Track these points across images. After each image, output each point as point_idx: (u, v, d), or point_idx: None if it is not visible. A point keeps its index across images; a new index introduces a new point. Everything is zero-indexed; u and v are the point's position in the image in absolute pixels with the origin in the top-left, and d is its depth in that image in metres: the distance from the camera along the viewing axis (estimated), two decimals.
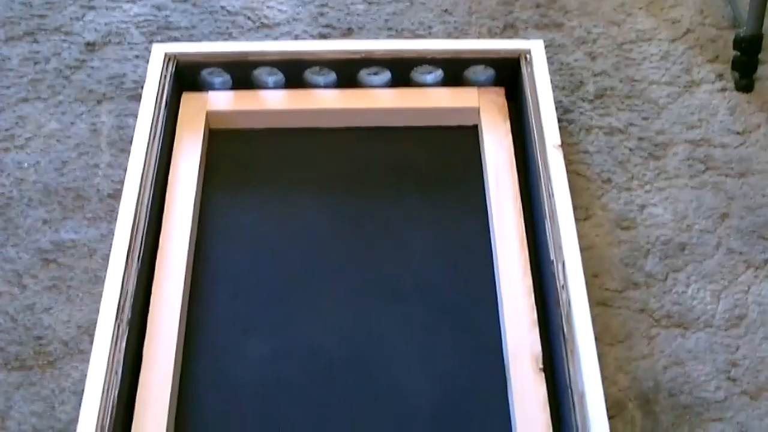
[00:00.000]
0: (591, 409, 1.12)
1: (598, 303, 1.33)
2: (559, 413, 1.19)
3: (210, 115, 1.46)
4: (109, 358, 1.14)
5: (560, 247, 1.26)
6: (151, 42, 1.65)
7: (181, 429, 1.17)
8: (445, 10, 1.72)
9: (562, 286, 1.23)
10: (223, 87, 1.50)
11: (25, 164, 1.46)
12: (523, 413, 1.17)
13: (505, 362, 1.22)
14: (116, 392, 1.13)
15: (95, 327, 1.14)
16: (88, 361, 1.13)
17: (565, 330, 1.20)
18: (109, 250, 1.22)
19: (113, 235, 1.22)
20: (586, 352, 1.17)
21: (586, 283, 1.21)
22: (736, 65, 1.61)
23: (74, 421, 1.12)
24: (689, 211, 1.44)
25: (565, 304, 1.21)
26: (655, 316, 1.33)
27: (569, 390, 1.16)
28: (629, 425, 1.22)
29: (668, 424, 1.22)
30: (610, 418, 1.11)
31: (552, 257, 1.26)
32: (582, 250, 1.25)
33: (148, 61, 1.46)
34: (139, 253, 1.25)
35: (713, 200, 1.45)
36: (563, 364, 1.18)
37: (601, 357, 1.17)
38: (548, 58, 1.54)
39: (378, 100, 1.48)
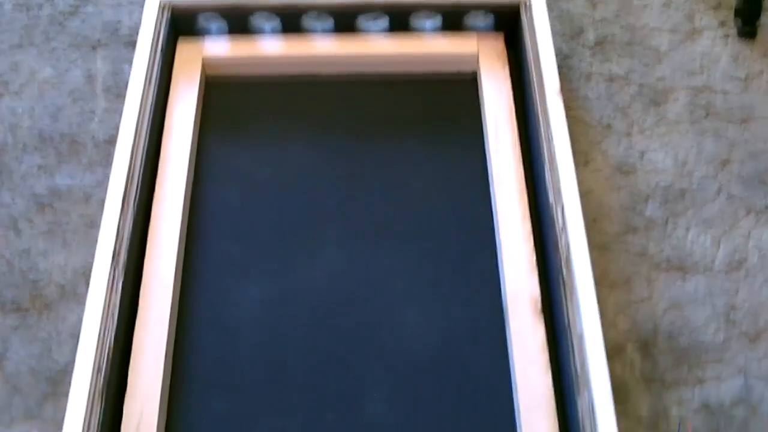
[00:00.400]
0: (590, 351, 1.12)
1: (597, 247, 1.32)
2: (557, 355, 1.18)
3: (206, 62, 1.44)
4: (105, 301, 1.13)
5: (559, 191, 1.25)
6: None
7: (177, 371, 1.17)
8: None
9: (562, 230, 1.22)
10: (219, 33, 1.48)
11: (20, 110, 1.45)
12: (522, 355, 1.16)
13: (504, 305, 1.22)
14: (113, 335, 1.12)
15: (91, 271, 1.13)
16: (84, 304, 1.13)
17: (564, 273, 1.19)
18: (105, 196, 1.20)
19: (109, 180, 1.21)
20: (585, 294, 1.16)
21: (586, 227, 1.20)
22: (738, 12, 1.59)
23: (71, 363, 1.12)
24: (690, 158, 1.43)
25: (565, 247, 1.20)
26: (654, 260, 1.32)
27: (568, 332, 1.15)
28: (628, 367, 1.22)
29: (667, 367, 1.22)
30: (609, 360, 1.10)
31: (551, 200, 1.25)
32: (581, 195, 1.25)
33: (143, 7, 1.44)
34: (135, 198, 1.24)
35: (714, 146, 1.44)
36: (562, 306, 1.18)
37: (600, 300, 1.17)
38: (548, 5, 1.52)
39: (376, 47, 1.47)
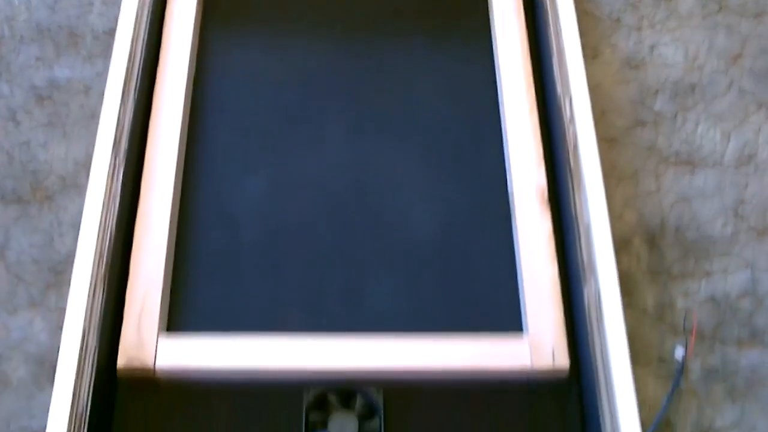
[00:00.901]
0: (597, 241, 1.11)
1: (605, 140, 1.30)
2: (564, 247, 1.17)
3: None
4: (106, 189, 1.12)
5: (567, 83, 1.22)
6: None
7: (179, 259, 1.16)
8: None
9: (569, 120, 1.20)
10: None
11: (16, 2, 1.42)
12: (528, 246, 1.15)
13: (510, 196, 1.20)
14: (114, 222, 1.11)
15: (92, 162, 1.12)
16: (85, 195, 1.11)
17: (571, 163, 1.17)
18: (105, 88, 1.18)
19: (109, 71, 1.19)
20: (592, 184, 1.15)
21: (594, 120, 1.18)
22: None
23: (73, 253, 1.10)
24: (701, 52, 1.40)
25: (572, 138, 1.18)
26: (663, 154, 1.30)
27: (575, 222, 1.14)
28: (635, 260, 1.21)
29: (674, 260, 1.21)
30: (615, 253, 1.09)
31: (559, 92, 1.23)
32: (589, 88, 1.22)
33: None
34: (135, 89, 1.21)
35: (726, 41, 1.41)
36: (569, 197, 1.16)
37: (607, 194, 1.15)
38: None
39: None
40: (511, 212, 1.19)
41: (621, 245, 1.21)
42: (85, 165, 1.26)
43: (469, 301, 1.14)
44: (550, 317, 1.10)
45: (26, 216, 1.22)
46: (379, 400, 1.06)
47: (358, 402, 1.07)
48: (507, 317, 1.13)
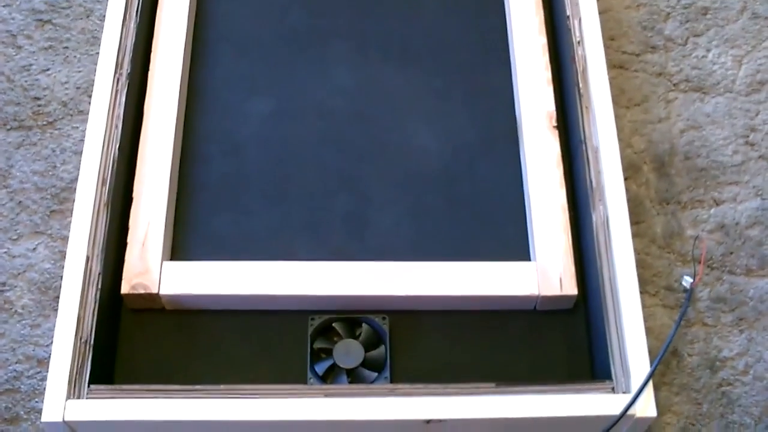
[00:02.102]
0: (606, 166, 1.09)
1: (614, 66, 1.28)
2: (572, 171, 1.16)
3: None
4: (108, 112, 1.10)
5: (577, 4, 1.20)
6: None
7: (184, 186, 1.15)
8: None
9: (578, 42, 1.17)
10: None
11: None
12: (536, 170, 1.14)
13: (518, 120, 1.18)
14: (117, 147, 1.10)
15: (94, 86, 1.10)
16: (88, 121, 1.10)
17: (580, 86, 1.15)
18: (106, 12, 1.16)
19: None
20: (601, 108, 1.13)
21: (603, 45, 1.15)
22: None
23: (76, 180, 1.09)
24: None
25: (581, 60, 1.16)
26: (673, 79, 1.28)
27: (583, 146, 1.12)
28: (644, 187, 1.20)
29: (683, 187, 1.20)
30: (624, 179, 1.08)
31: (568, 13, 1.20)
32: (599, 13, 1.19)
33: None
34: (137, 10, 1.19)
35: None
36: (578, 120, 1.15)
37: (616, 120, 1.13)
38: None
39: None
40: (519, 137, 1.18)
41: (629, 172, 1.19)
42: (87, 90, 1.24)
43: (476, 228, 1.13)
44: (558, 244, 1.09)
45: (28, 142, 1.20)
46: (384, 327, 1.06)
47: (364, 330, 1.06)
48: (514, 244, 1.12)
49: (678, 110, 1.25)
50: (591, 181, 1.10)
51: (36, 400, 1.05)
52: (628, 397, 0.96)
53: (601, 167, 1.09)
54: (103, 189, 1.07)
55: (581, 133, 1.13)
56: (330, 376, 1.04)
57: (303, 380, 1.03)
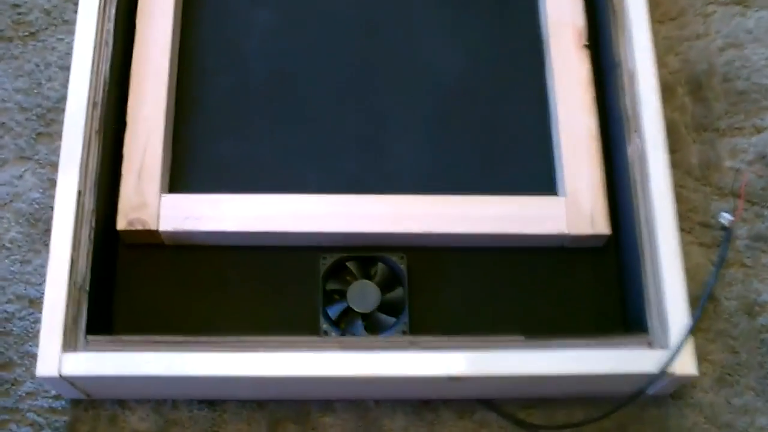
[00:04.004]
0: (643, 91, 1.01)
1: None
2: (604, 97, 1.07)
3: None
4: (97, 24, 1.00)
5: None
6: None
7: (183, 110, 1.05)
8: None
9: None
10: None
11: None
12: (564, 93, 1.04)
13: (544, 37, 1.09)
14: (107, 66, 0.99)
15: None
16: (74, 32, 0.99)
17: (614, 1, 1.05)
18: None
19: None
20: (638, 24, 1.04)
21: None
22: None
23: (64, 99, 0.99)
24: None
25: None
26: None
27: (617, 69, 1.03)
28: (678, 111, 1.11)
29: (721, 112, 1.11)
30: None
31: None
32: None
33: None
34: None
35: None
36: (610, 40, 1.05)
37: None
38: None
39: None
40: (545, 57, 1.08)
41: (664, 95, 1.08)
42: None
43: (499, 159, 1.05)
44: (588, 177, 1.00)
45: (9, 56, 1.09)
46: (402, 267, 0.98)
47: (380, 270, 0.99)
48: (540, 177, 1.03)
49: (717, 26, 1.15)
50: (626, 110, 1.01)
51: (30, 343, 0.97)
52: (667, 353, 0.89)
53: (638, 93, 1.00)
54: (94, 114, 0.97)
55: (614, 54, 1.04)
56: (344, 321, 0.97)
57: (315, 325, 0.96)
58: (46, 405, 0.95)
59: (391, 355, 0.89)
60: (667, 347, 0.90)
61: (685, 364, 0.90)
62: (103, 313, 0.95)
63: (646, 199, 0.97)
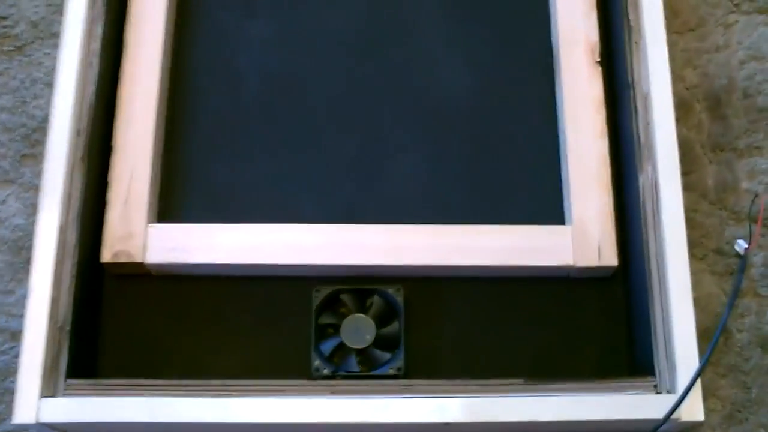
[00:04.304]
0: (657, 113, 0.95)
1: None
2: (616, 119, 1.01)
3: None
4: (84, 39, 0.95)
5: None
6: None
7: (173, 126, 1.01)
8: None
9: None
10: None
11: None
12: (574, 112, 0.99)
13: (555, 52, 1.03)
14: (93, 90, 0.95)
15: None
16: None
17: (630, 16, 0.99)
18: None
19: None
20: (654, 42, 0.98)
21: None
22: None
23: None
24: None
25: None
26: None
27: (631, 90, 0.97)
28: (695, 130, 1.05)
29: (741, 131, 1.05)
30: None
31: None
32: None
33: None
34: None
35: None
36: (625, 57, 0.99)
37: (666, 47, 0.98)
38: None
39: None
40: (556, 74, 1.02)
41: (679, 112, 1.04)
42: (60, 7, 1.06)
43: (503, 183, 1.00)
44: (597, 205, 0.95)
45: None
46: (399, 300, 0.94)
47: (375, 302, 0.95)
48: (546, 203, 0.99)
49: (739, 36, 1.09)
50: (638, 135, 0.95)
51: (11, 379, 0.94)
52: (673, 398, 0.85)
53: (651, 116, 0.95)
54: (78, 142, 0.93)
55: (628, 74, 0.98)
56: (337, 356, 0.93)
57: (307, 361, 0.92)
58: None
59: (384, 401, 0.85)
60: (674, 391, 0.86)
61: (692, 410, 0.85)
62: (87, 349, 0.92)
63: (657, 232, 0.91)
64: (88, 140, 0.93)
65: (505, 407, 0.85)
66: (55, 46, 1.06)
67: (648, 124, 0.95)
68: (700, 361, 0.86)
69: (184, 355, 0.94)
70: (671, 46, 1.05)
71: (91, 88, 0.95)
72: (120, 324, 0.95)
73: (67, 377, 0.86)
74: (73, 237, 0.90)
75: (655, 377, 0.87)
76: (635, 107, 0.96)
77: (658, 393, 0.86)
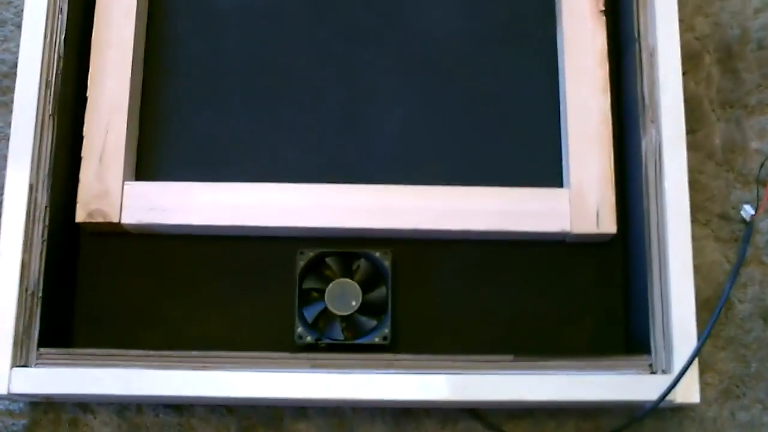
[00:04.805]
0: (663, 72, 0.89)
1: None
2: (619, 74, 0.95)
3: None
4: None
5: None
6: None
7: (150, 75, 0.95)
8: None
9: None
10: None
11: None
12: (575, 68, 0.93)
13: (556, 2, 0.97)
14: (63, 38, 0.89)
15: None
16: None
17: None
18: None
19: None
20: None
21: None
22: None
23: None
24: None
25: None
26: None
27: (636, 44, 0.91)
28: (703, 83, 0.99)
29: (753, 86, 0.99)
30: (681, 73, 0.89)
31: None
32: None
33: None
34: None
35: None
36: (631, 8, 0.93)
37: None
38: None
39: None
40: (557, 23, 0.96)
41: (688, 65, 0.98)
42: None
43: (498, 143, 0.95)
44: (597, 167, 0.90)
45: None
46: (386, 263, 0.90)
47: (362, 266, 0.91)
48: (543, 163, 0.94)
49: None
50: (643, 95, 0.90)
51: None
52: (669, 379, 0.82)
53: (658, 77, 0.89)
54: (47, 94, 0.87)
55: (634, 26, 0.92)
56: (321, 322, 0.90)
57: (290, 327, 0.88)
58: (2, 408, 0.89)
59: (366, 376, 0.82)
60: (670, 371, 0.83)
61: (688, 391, 0.83)
62: (62, 314, 0.89)
63: (658, 201, 0.87)
64: (58, 93, 0.88)
65: (492, 386, 0.82)
66: None
67: (653, 83, 0.89)
68: (698, 341, 0.82)
69: (163, 320, 0.90)
70: None
71: (60, 37, 0.89)
72: (96, 287, 0.91)
73: (40, 346, 0.83)
74: (44, 198, 0.85)
75: (651, 356, 0.84)
76: (640, 64, 0.90)
77: (653, 373, 0.83)
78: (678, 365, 0.82)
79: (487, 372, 0.82)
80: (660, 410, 0.89)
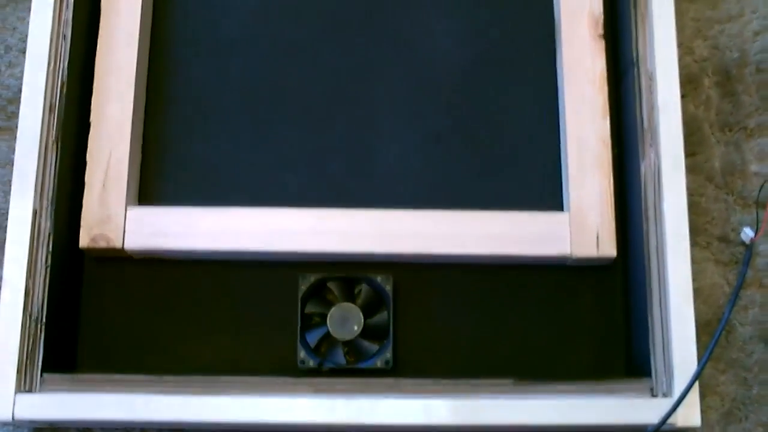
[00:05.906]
0: (662, 96, 0.90)
1: None
2: (619, 98, 0.96)
3: None
4: (54, 15, 0.90)
5: None
6: None
7: (153, 103, 0.96)
8: None
9: None
10: None
11: None
12: (574, 92, 0.94)
13: (556, 25, 0.97)
14: (66, 62, 0.90)
15: None
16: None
17: None
18: None
19: None
20: (661, 15, 0.92)
21: None
22: None
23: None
24: None
25: None
26: None
27: (634, 68, 0.92)
28: (702, 107, 1.00)
29: (752, 108, 0.99)
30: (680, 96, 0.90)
31: None
32: None
33: None
34: None
35: None
36: (630, 32, 0.94)
37: (676, 16, 0.92)
38: None
39: None
40: (557, 46, 0.97)
41: (687, 88, 0.99)
42: None
43: (498, 167, 0.95)
44: (596, 191, 0.91)
45: None
46: (387, 288, 0.90)
47: (364, 291, 0.91)
48: (543, 188, 0.94)
49: (753, 4, 1.02)
50: (642, 119, 0.90)
51: None
52: (669, 402, 0.82)
53: (656, 101, 0.90)
54: (51, 119, 0.88)
55: (633, 50, 0.93)
56: (324, 346, 0.90)
57: (292, 351, 0.89)
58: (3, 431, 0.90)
59: (369, 401, 0.82)
60: (671, 394, 0.83)
61: (689, 414, 0.83)
62: (66, 337, 0.89)
63: (657, 225, 0.87)
64: (62, 118, 0.89)
65: (493, 410, 0.82)
66: (30, 10, 1.00)
67: (652, 107, 0.90)
68: (698, 364, 0.83)
69: (166, 344, 0.90)
70: (681, 14, 1.01)
71: (64, 63, 0.90)
72: (100, 312, 0.91)
73: (44, 371, 0.83)
74: (47, 224, 0.86)
75: (651, 379, 0.84)
76: (639, 88, 0.91)
77: (654, 396, 0.84)
78: (679, 388, 0.83)
79: (489, 396, 0.83)
80: None
